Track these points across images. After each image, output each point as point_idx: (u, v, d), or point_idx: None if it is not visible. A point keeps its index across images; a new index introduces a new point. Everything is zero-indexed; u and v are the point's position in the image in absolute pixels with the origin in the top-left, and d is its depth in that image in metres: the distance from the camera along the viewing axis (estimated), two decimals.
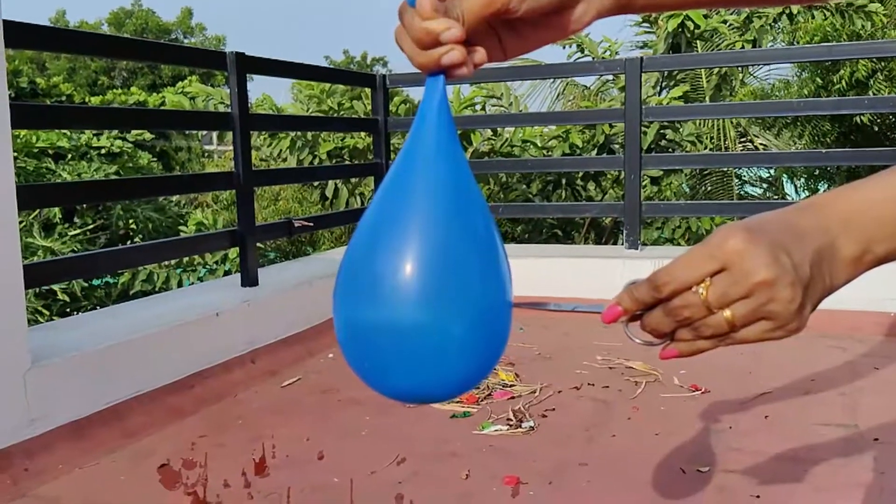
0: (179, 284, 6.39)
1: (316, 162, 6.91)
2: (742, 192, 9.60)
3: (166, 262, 6.46)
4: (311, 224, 4.19)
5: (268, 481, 2.17)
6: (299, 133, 6.97)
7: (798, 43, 7.78)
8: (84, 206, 7.41)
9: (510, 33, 0.69)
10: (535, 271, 4.16)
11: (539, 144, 7.19)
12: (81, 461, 2.28)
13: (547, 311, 0.73)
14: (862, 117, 7.61)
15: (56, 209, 7.04)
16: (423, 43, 0.63)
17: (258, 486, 2.14)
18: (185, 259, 6.54)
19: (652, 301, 0.64)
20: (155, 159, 9.39)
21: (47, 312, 6.08)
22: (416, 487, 2.11)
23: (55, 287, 6.26)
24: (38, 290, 6.04)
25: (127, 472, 2.25)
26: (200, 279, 6.50)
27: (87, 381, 2.41)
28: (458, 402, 2.76)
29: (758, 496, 2.00)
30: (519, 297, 0.69)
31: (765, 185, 9.80)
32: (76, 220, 7.47)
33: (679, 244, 6.96)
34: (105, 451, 2.36)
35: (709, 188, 8.92)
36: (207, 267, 6.71)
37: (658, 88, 8.45)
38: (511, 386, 2.93)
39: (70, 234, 7.01)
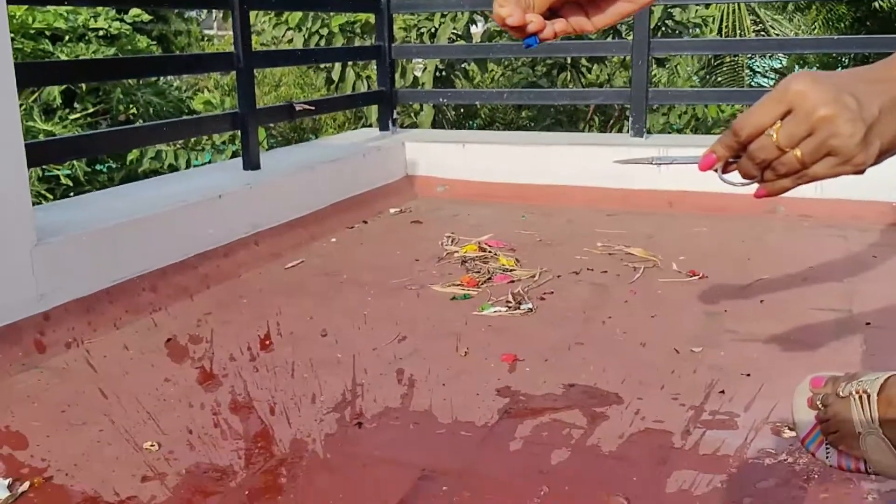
0: (187, 164, 6.38)
1: (324, 42, 6.74)
2: (753, 83, 9.44)
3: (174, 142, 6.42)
4: (313, 108, 4.14)
5: (273, 356, 2.24)
6: None
7: None
8: (84, 89, 7.30)
9: (593, 8, 0.85)
10: (540, 159, 4.14)
11: None
12: (90, 335, 2.34)
13: (651, 164, 0.86)
14: (880, 2, 7.38)
15: (56, 93, 6.93)
16: (502, 21, 0.80)
17: (263, 361, 2.20)
18: (193, 139, 6.50)
19: (736, 145, 0.72)
20: (154, 42, 9.17)
21: (51, 196, 6.09)
22: (417, 363, 2.17)
23: (58, 171, 6.26)
24: (41, 174, 6.03)
25: (135, 345, 2.31)
26: (209, 161, 6.48)
27: (93, 258, 2.44)
28: (458, 284, 2.80)
29: (748, 374, 2.06)
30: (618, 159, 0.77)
31: (777, 77, 9.62)
32: (76, 104, 7.38)
33: (685, 132, 6.89)
34: (113, 327, 2.41)
35: (719, 79, 8.77)
36: (214, 147, 6.68)
37: None
38: (511, 270, 2.97)
39: (70, 118, 6.94)
